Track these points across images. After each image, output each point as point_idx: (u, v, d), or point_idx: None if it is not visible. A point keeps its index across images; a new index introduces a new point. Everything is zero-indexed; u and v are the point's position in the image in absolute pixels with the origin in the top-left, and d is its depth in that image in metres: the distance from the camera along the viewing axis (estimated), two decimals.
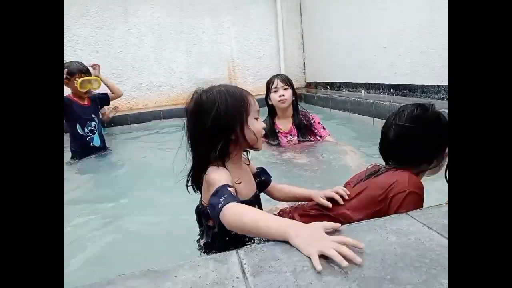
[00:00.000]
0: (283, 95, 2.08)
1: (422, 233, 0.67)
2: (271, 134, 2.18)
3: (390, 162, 1.06)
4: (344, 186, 1.09)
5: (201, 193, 0.97)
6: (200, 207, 0.98)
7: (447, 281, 0.51)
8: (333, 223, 0.68)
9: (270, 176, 1.15)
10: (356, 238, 0.63)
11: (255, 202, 1.02)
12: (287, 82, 2.12)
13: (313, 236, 0.63)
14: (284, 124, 2.20)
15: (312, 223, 0.68)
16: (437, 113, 1.02)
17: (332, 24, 4.01)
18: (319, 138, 2.18)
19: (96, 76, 2.63)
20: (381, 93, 3.23)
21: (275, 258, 0.61)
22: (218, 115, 0.88)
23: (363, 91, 3.54)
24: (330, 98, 3.62)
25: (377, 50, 3.18)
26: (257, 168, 1.14)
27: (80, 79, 2.43)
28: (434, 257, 0.58)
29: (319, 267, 0.56)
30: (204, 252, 1.00)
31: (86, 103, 2.59)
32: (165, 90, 4.49)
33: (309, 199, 1.09)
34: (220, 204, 0.76)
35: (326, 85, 4.38)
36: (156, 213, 1.51)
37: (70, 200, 1.70)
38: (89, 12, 4.07)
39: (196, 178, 0.96)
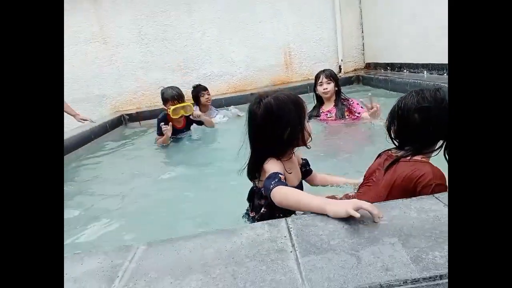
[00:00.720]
0: (326, 88, 2.61)
1: (442, 211, 0.79)
2: (316, 112, 2.74)
3: (405, 148, 1.07)
4: (365, 180, 1.21)
5: (255, 180, 1.17)
6: (254, 188, 1.20)
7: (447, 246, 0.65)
8: (364, 203, 0.79)
9: (311, 168, 1.36)
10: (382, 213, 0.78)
11: (300, 187, 1.21)
12: (330, 77, 2.63)
13: (346, 202, 0.81)
14: (327, 106, 2.73)
15: (345, 200, 0.85)
16: (443, 97, 1.04)
17: (393, 1, 3.84)
18: (357, 114, 2.59)
19: (189, 103, 2.72)
20: (445, 74, 3.07)
21: (314, 225, 0.80)
22: (287, 122, 1.05)
23: (425, 72, 3.39)
24: (389, 80, 3.54)
25: (441, 29, 3.02)
26: (302, 159, 1.33)
27: (173, 107, 2.55)
28: (445, 229, 0.71)
29: (357, 215, 0.74)
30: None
31: (181, 125, 2.84)
32: (226, 78, 4.80)
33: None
34: (271, 186, 0.97)
35: (386, 66, 4.25)
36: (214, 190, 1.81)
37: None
38: (158, 12, 4.51)
39: (252, 170, 1.14)
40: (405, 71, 3.78)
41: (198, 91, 3.30)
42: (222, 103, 4.28)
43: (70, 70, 4.35)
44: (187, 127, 2.92)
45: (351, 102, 2.66)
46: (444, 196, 0.86)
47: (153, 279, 0.69)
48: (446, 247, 0.65)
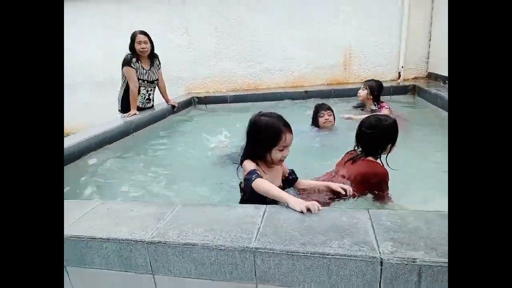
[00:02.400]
0: (359, 93, 3.48)
1: (362, 218, 1.17)
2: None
3: (362, 151, 1.74)
4: (337, 165, 1.84)
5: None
6: (241, 183, 1.60)
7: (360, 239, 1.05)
8: (313, 206, 1.22)
9: (296, 176, 1.71)
10: (322, 214, 1.20)
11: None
12: (366, 85, 3.42)
13: (302, 202, 1.24)
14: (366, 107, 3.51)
15: (301, 200, 1.27)
16: (386, 122, 1.68)
17: None
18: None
19: None
20: None
21: (281, 212, 1.25)
22: (260, 140, 1.46)
23: None
24: (439, 96, 3.56)
25: None
26: (289, 169, 1.71)
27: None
28: (355, 226, 1.10)
29: (305, 210, 1.19)
30: None
31: None
32: (286, 74, 5.19)
33: (328, 189, 1.64)
34: (252, 178, 1.37)
35: (445, 79, 4.18)
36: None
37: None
38: (231, 7, 5.03)
39: (241, 163, 1.54)
40: None
41: (318, 110, 3.05)
42: (278, 97, 4.72)
43: (158, 52, 5.19)
44: None
45: (379, 108, 3.24)
46: (372, 211, 1.23)
47: (183, 224, 1.23)
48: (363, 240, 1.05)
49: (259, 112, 1.53)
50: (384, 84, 4.47)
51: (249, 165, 1.48)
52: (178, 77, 5.44)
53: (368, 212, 1.21)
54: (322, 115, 2.93)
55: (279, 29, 5.00)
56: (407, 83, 4.56)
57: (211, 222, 1.22)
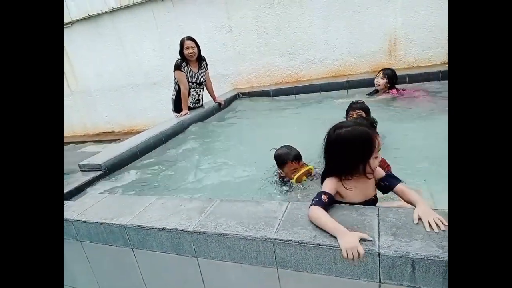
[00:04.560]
0: (379, 82, 3.85)
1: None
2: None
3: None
4: None
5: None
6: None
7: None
8: (366, 236, 1.15)
9: (397, 181, 1.41)
10: (334, 210, 1.37)
11: (366, 204, 1.40)
12: (384, 74, 3.79)
13: (349, 241, 1.15)
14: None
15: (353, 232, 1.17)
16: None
17: None
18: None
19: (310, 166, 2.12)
20: None
21: (300, 209, 1.45)
22: (351, 155, 1.30)
23: None
24: None
25: None
26: (385, 175, 1.44)
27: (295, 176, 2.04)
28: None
29: (346, 255, 1.12)
30: None
31: None
32: (327, 63, 5.19)
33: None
34: (311, 202, 1.31)
35: None
36: None
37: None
38: (273, 3, 5.14)
39: (322, 179, 1.44)
40: None
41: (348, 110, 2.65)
42: (319, 89, 4.78)
43: (206, 54, 5.57)
44: None
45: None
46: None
47: (219, 217, 1.50)
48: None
49: (334, 126, 1.39)
50: (433, 69, 4.29)
51: (327, 184, 1.38)
52: (224, 74, 5.77)
53: (378, 210, 1.35)
54: (350, 115, 2.62)
55: (321, 20, 4.99)
56: (436, 69, 4.28)
57: (241, 216, 1.47)
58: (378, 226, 1.24)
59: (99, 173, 2.65)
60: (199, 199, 1.75)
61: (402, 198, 1.40)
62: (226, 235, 1.38)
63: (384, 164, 1.86)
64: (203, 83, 4.16)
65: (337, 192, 1.40)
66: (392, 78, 3.78)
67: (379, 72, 3.90)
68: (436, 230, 1.14)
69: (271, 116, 4.21)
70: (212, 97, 4.45)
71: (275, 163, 2.18)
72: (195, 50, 3.87)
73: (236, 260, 1.40)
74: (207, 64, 4.16)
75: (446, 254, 1.04)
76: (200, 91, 4.20)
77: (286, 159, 2.07)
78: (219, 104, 4.49)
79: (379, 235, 1.19)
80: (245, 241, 1.34)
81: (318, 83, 4.85)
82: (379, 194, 1.52)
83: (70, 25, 6.48)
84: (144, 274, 1.70)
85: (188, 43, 3.82)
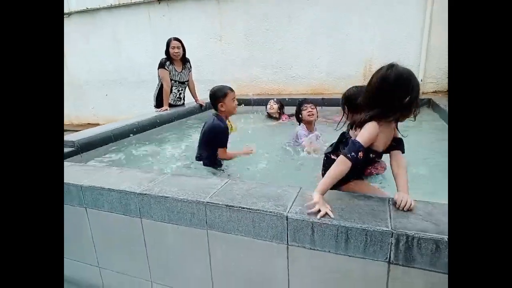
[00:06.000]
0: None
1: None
2: None
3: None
4: None
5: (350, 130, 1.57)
6: (346, 135, 1.64)
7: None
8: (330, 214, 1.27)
9: (402, 149, 1.49)
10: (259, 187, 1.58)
11: (384, 153, 1.50)
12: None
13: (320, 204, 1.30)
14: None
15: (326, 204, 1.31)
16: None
17: None
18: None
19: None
20: None
21: (237, 184, 1.65)
22: (411, 90, 1.33)
23: None
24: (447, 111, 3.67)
25: None
26: (398, 137, 1.51)
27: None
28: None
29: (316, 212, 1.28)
30: None
31: None
32: (308, 81, 5.53)
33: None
34: (346, 152, 1.34)
35: None
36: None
37: None
38: (263, 19, 5.50)
39: (353, 123, 1.49)
40: None
41: (301, 104, 3.11)
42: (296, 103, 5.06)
43: (196, 59, 5.85)
44: None
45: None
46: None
47: (166, 185, 1.69)
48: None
49: (386, 67, 1.43)
50: None
51: (368, 131, 1.36)
52: (211, 80, 6.03)
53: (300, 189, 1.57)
54: (305, 108, 2.90)
55: (307, 39, 5.35)
56: (423, 97, 4.63)
57: (185, 186, 1.67)
58: (295, 198, 1.46)
59: (71, 149, 2.81)
60: (153, 172, 1.94)
61: (391, 163, 1.49)
62: (166, 197, 1.57)
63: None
64: (186, 82, 4.40)
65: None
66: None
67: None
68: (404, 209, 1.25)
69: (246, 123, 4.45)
70: (194, 98, 4.67)
71: None
72: (180, 50, 4.12)
73: (173, 221, 1.59)
74: (191, 66, 4.41)
75: (342, 220, 1.25)
76: (182, 89, 4.43)
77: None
78: (200, 105, 4.72)
79: (293, 204, 1.41)
80: (182, 203, 1.54)
81: (298, 97, 5.14)
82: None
83: (67, 15, 6.71)
84: (94, 234, 1.86)
85: (174, 43, 4.08)
